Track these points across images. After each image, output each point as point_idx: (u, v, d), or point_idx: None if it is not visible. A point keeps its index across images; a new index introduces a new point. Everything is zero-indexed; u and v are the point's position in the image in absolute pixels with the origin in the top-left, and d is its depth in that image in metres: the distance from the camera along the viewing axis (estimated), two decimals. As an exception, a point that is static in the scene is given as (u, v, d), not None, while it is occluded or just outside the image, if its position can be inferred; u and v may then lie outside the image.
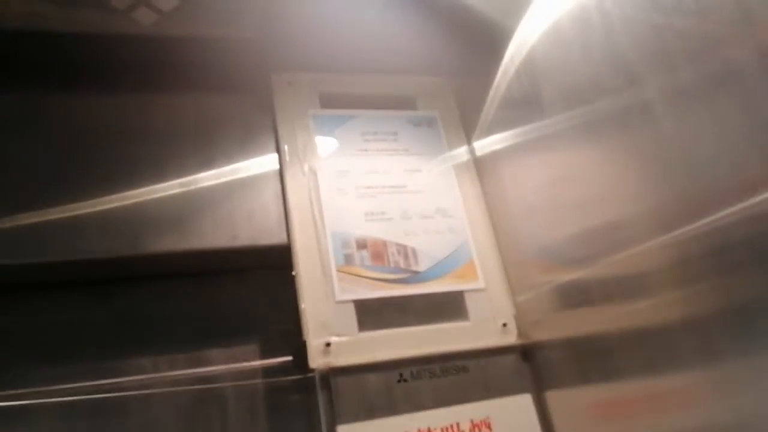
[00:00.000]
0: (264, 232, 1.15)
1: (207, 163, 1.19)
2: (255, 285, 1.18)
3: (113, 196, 1.11)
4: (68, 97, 1.17)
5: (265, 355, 1.14)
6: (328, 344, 1.02)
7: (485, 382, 1.07)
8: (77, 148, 1.12)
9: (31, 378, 1.02)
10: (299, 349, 1.05)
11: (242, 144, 1.24)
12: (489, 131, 1.26)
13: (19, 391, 1.00)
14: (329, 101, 1.32)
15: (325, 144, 1.26)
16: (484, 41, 1.22)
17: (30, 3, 1.10)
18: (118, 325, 1.10)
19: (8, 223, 1.03)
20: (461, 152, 1.34)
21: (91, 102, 1.18)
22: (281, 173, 1.21)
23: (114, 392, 1.05)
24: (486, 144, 1.28)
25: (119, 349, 1.08)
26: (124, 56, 1.21)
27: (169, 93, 1.25)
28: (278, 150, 1.24)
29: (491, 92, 1.22)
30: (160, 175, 1.15)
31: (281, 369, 1.13)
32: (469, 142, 1.35)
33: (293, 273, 1.12)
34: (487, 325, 1.13)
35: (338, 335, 1.03)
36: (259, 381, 1.11)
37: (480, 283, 1.16)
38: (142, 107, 1.21)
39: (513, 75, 1.13)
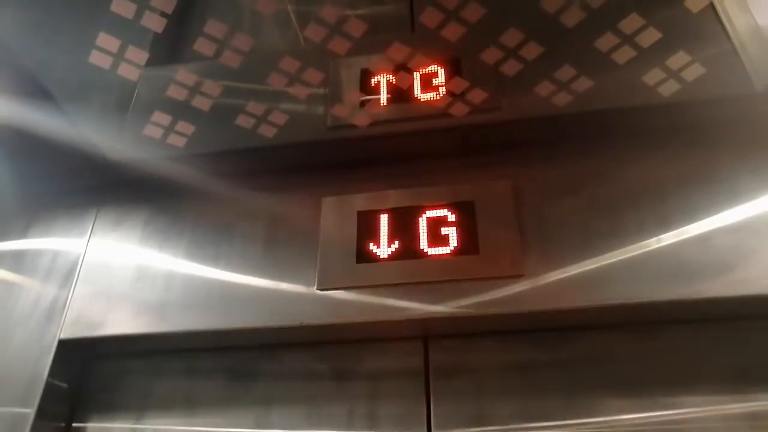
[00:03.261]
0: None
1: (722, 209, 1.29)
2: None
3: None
4: (604, 163, 1.40)
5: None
6: None
7: None
8: (614, 205, 1.34)
9: (599, 407, 1.22)
10: None
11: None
12: None
13: (589, 420, 1.20)
14: None
15: None
16: None
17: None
18: (670, 364, 1.23)
19: (574, 270, 1.28)
20: None
21: (619, 165, 1.39)
22: None
23: (670, 425, 1.17)
24: None
25: (670, 384, 1.21)
26: (647, 124, 1.39)
27: (679, 150, 1.39)
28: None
29: None
30: (688, 221, 1.29)
31: None
32: None
33: None
34: None
35: None
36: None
37: None
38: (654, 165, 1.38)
39: None
